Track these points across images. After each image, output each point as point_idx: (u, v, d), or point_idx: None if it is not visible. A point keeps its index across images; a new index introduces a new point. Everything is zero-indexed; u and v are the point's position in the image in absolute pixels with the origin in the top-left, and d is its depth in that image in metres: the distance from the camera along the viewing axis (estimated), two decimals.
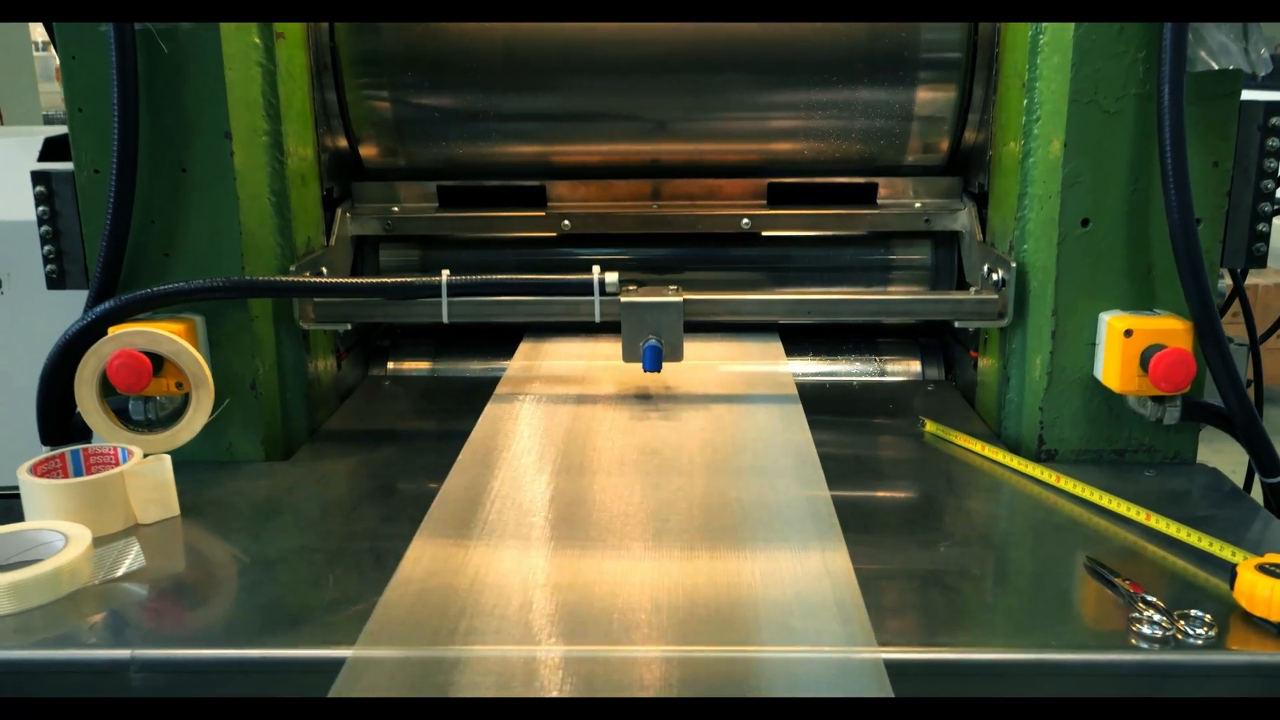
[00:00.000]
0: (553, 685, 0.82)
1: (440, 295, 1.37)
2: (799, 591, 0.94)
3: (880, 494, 1.27)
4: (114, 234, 1.24)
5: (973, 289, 1.45)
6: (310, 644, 0.91)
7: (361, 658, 0.86)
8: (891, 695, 0.80)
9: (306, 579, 1.03)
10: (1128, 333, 1.23)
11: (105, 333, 1.24)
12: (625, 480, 1.17)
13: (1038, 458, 1.32)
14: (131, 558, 1.06)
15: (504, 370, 1.54)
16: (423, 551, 1.02)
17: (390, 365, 1.74)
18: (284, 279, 1.34)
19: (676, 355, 1.40)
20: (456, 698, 0.80)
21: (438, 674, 0.84)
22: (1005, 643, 0.92)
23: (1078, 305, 1.29)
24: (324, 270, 1.49)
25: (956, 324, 1.43)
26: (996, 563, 1.08)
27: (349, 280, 1.40)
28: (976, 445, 1.35)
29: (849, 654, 0.86)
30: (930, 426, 1.43)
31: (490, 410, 1.39)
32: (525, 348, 1.65)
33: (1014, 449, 1.35)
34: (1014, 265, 1.35)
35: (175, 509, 1.18)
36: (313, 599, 0.99)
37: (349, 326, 1.45)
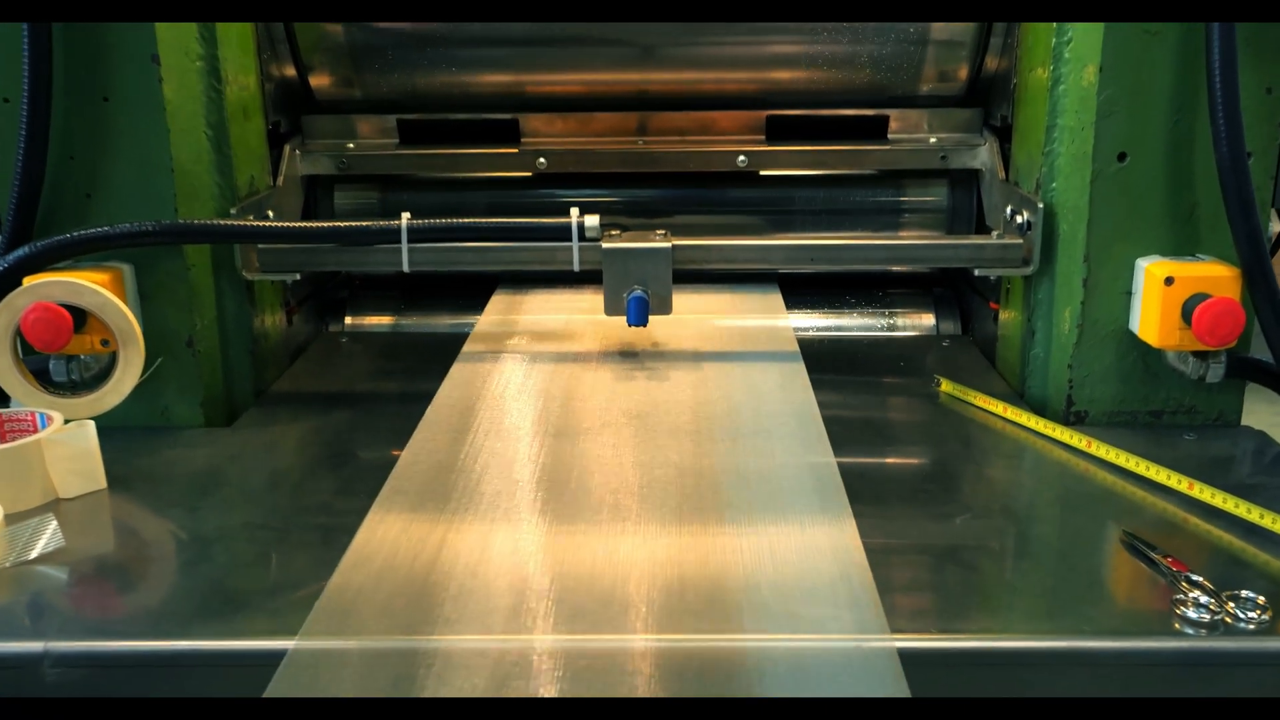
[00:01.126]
0: (524, 684, 0.79)
1: (400, 241, 1.34)
2: (802, 571, 0.91)
3: (891, 461, 1.25)
4: (27, 171, 1.20)
5: (994, 233, 1.42)
6: (252, 634, 0.88)
7: (304, 650, 0.82)
8: (906, 691, 0.77)
9: (248, 560, 1.00)
10: (1168, 280, 1.20)
11: (20, 284, 1.21)
12: (607, 447, 1.15)
13: (1066, 420, 1.31)
14: (48, 536, 1.03)
15: (474, 326, 1.52)
16: (378, 527, 0.99)
17: (348, 320, 1.73)
18: (223, 222, 1.30)
19: (665, 308, 1.37)
20: (413, 698, 0.77)
21: (394, 667, 0.81)
22: (1031, 628, 0.89)
23: (1112, 250, 1.26)
24: (270, 214, 1.45)
25: (976, 272, 1.40)
26: (1020, 538, 1.06)
27: (297, 224, 1.37)
28: (997, 406, 1.33)
29: (859, 642, 0.83)
30: (946, 386, 1.41)
31: (457, 370, 1.36)
32: (497, 301, 1.64)
33: (1039, 410, 1.33)
34: (1041, 206, 1.32)
35: (101, 481, 1.15)
36: (255, 583, 0.96)
37: (298, 276, 1.41)
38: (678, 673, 0.79)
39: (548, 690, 0.76)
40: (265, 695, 0.77)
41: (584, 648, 0.81)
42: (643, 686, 0.77)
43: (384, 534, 0.98)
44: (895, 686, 0.77)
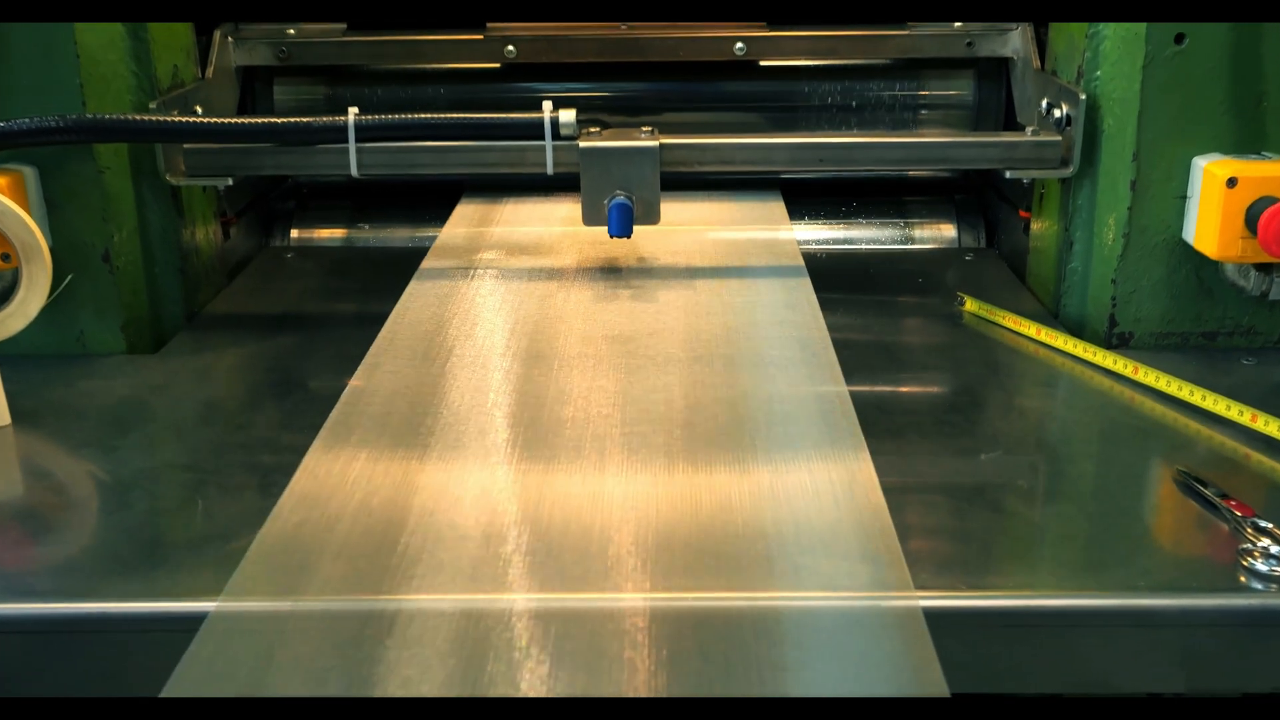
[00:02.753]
0: (504, 648, 0.74)
1: (347, 140, 1.29)
2: (810, 518, 0.87)
3: (909, 390, 1.23)
4: None
5: (1028, 129, 1.38)
6: (174, 594, 0.85)
7: (227, 613, 0.78)
8: (934, 660, 0.71)
9: (172, 507, 0.97)
10: (1230, 182, 1.16)
11: None
12: (586, 377, 1.11)
13: (1108, 342, 1.28)
14: None
15: (435, 239, 1.49)
16: (321, 466, 0.95)
17: (294, 233, 1.70)
18: (141, 118, 1.24)
19: (652, 217, 1.33)
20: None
21: (339, 633, 0.76)
22: (1076, 583, 0.86)
23: (1165, 148, 1.22)
24: (198, 109, 1.39)
25: (1008, 174, 1.35)
26: (1059, 478, 1.03)
27: (226, 121, 1.30)
28: (1029, 327, 1.31)
29: (878, 601, 0.78)
30: (970, 305, 1.39)
31: (416, 288, 1.32)
32: (462, 211, 1.60)
33: (1076, 332, 1.31)
34: (1083, 98, 1.28)
35: (4, 417, 1.12)
36: (179, 533, 0.93)
37: (230, 182, 1.36)
38: (669, 637, 0.75)
39: (535, 656, 0.73)
40: (179, 668, 0.72)
41: (566, 608, 0.78)
42: (631, 654, 0.73)
43: (328, 474, 0.94)
44: (921, 653, 0.73)
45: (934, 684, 0.69)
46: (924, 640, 0.73)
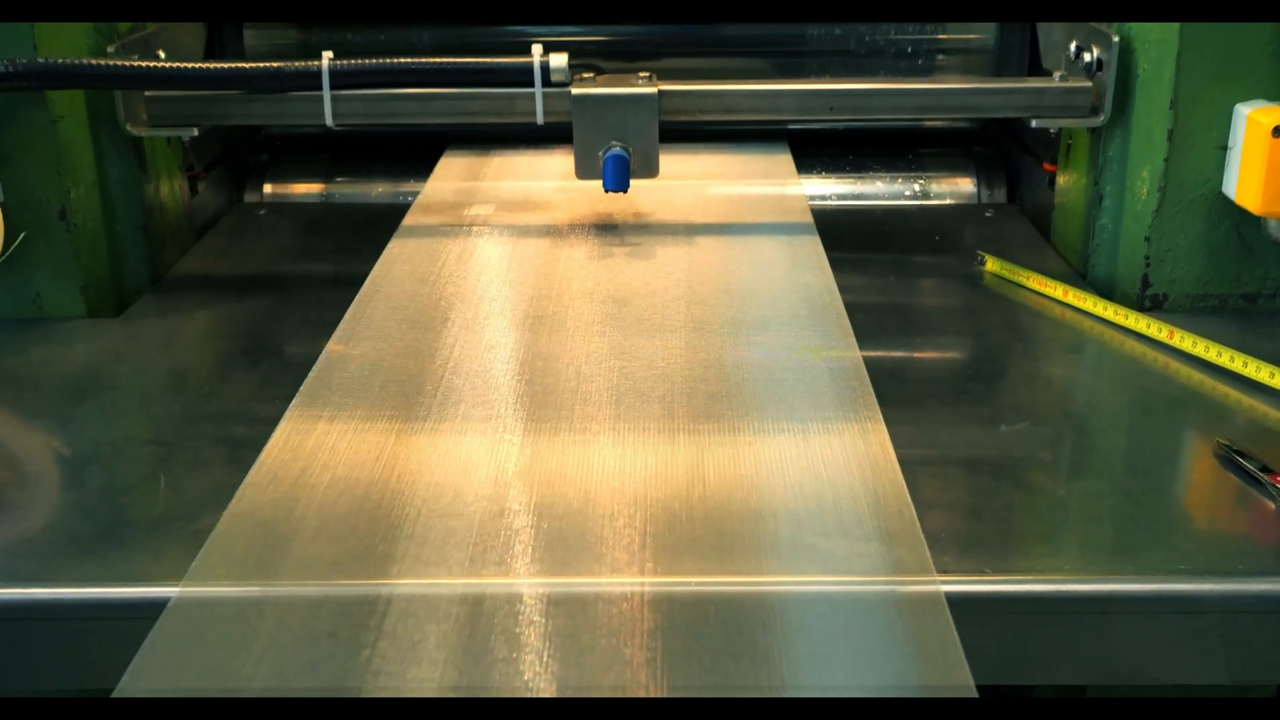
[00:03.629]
0: (479, 641, 0.72)
1: (321, 87, 1.27)
2: (821, 494, 0.85)
3: (926, 356, 1.22)
4: None
5: (1056, 74, 1.34)
6: (131, 579, 0.83)
7: (190, 600, 0.76)
8: (959, 651, 0.69)
9: (132, 483, 0.95)
10: (1277, 130, 1.13)
11: None
12: (578, 341, 1.10)
13: (1140, 305, 1.26)
14: None
15: (417, 195, 1.48)
16: (293, 438, 0.93)
17: (268, 188, 1.68)
18: (98, 62, 1.21)
19: (650, 169, 1.32)
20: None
21: (308, 623, 0.74)
22: (1110, 567, 0.84)
23: (1205, 94, 1.19)
24: (160, 54, 1.36)
25: (1034, 124, 1.33)
26: (1090, 451, 1.01)
27: (191, 66, 1.27)
28: (1054, 289, 1.29)
29: (895, 586, 0.76)
30: (991, 264, 1.38)
31: (396, 247, 1.31)
32: (446, 164, 1.59)
33: (1106, 293, 1.29)
34: (1116, 40, 1.25)
35: None
36: (138, 513, 0.91)
37: (195, 132, 1.33)
38: (667, 627, 0.73)
39: (535, 649, 0.72)
40: (136, 660, 0.70)
41: (564, 594, 0.76)
42: (630, 649, 0.72)
43: (303, 445, 0.92)
44: (944, 642, 0.71)
45: (959, 678, 0.67)
46: (947, 629, 0.71)
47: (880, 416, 0.95)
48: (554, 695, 0.68)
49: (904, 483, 0.85)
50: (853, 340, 1.08)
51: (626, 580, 0.77)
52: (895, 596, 0.76)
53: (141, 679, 0.69)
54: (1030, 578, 0.82)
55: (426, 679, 0.69)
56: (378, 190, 1.66)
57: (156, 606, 0.75)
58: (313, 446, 0.92)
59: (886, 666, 0.69)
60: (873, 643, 0.72)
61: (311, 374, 1.03)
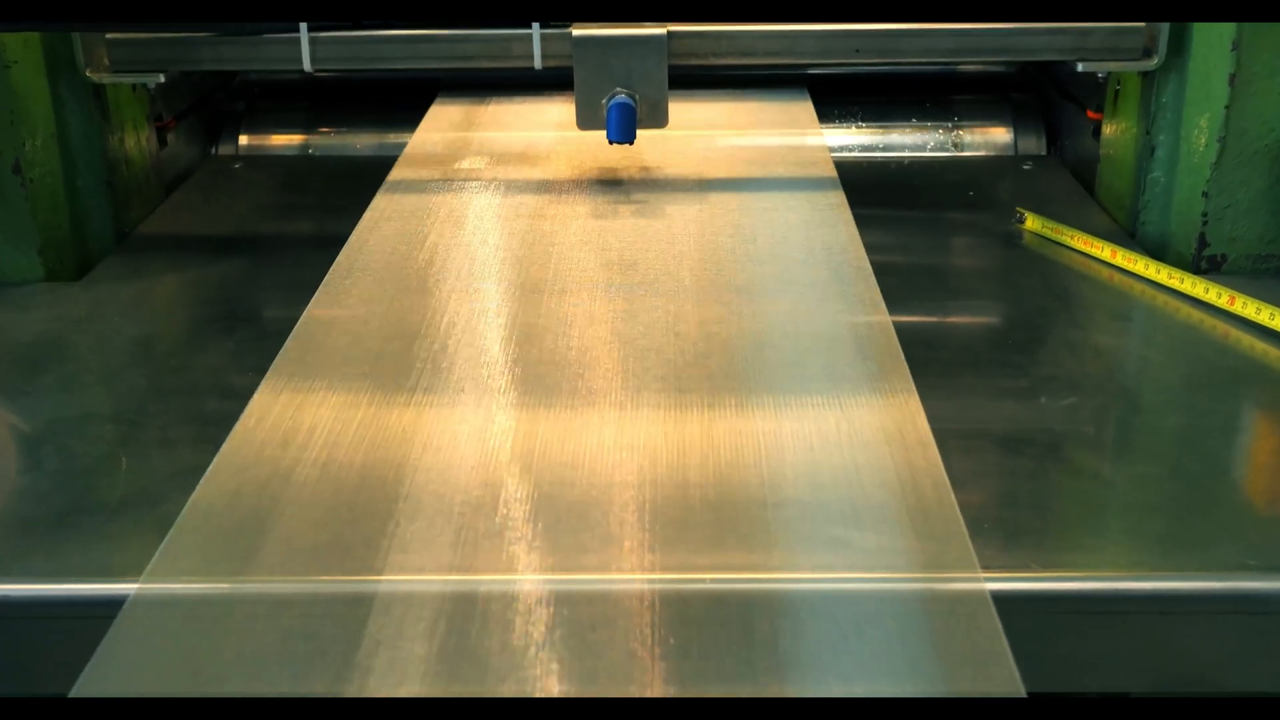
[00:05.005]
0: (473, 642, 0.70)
1: (298, 28, 1.26)
2: (849, 477, 0.83)
3: (962, 322, 1.22)
4: None
5: None
6: (86, 573, 0.81)
7: (150, 597, 0.73)
8: (1008, 658, 0.66)
9: (89, 465, 0.94)
10: None
11: None
12: (582, 306, 1.08)
13: (1196, 267, 1.25)
14: None
15: (405, 147, 1.48)
16: (267, 413, 0.91)
17: (243, 139, 1.69)
18: None
19: (658, 119, 1.31)
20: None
21: (284, 624, 0.72)
22: (1172, 562, 0.81)
23: (1272, 34, 1.17)
24: None
25: (1080, 68, 1.30)
26: (1142, 430, 1.00)
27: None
28: (1101, 249, 1.27)
29: (933, 584, 0.73)
30: (1031, 222, 1.36)
31: (381, 203, 1.30)
32: (437, 113, 1.59)
33: (1158, 254, 1.28)
34: None
35: None
36: (96, 497, 0.90)
37: (162, 78, 1.32)
38: (677, 625, 0.71)
39: (535, 655, 0.69)
40: (92, 662, 0.68)
41: (568, 590, 0.74)
42: (638, 648, 0.70)
43: (279, 421, 0.90)
44: (992, 649, 0.68)
45: (1009, 690, 0.65)
46: (995, 635, 0.68)
47: (914, 390, 0.92)
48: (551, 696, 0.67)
49: (942, 465, 0.83)
50: (881, 305, 1.06)
51: (627, 577, 0.75)
52: (934, 595, 0.73)
53: (94, 689, 0.67)
54: (1080, 574, 0.80)
55: (414, 684, 0.67)
56: (362, 142, 1.67)
57: (113, 605, 0.73)
58: (290, 423, 0.90)
59: (925, 675, 0.67)
60: (910, 648, 0.69)
61: (289, 342, 1.01)
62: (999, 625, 0.69)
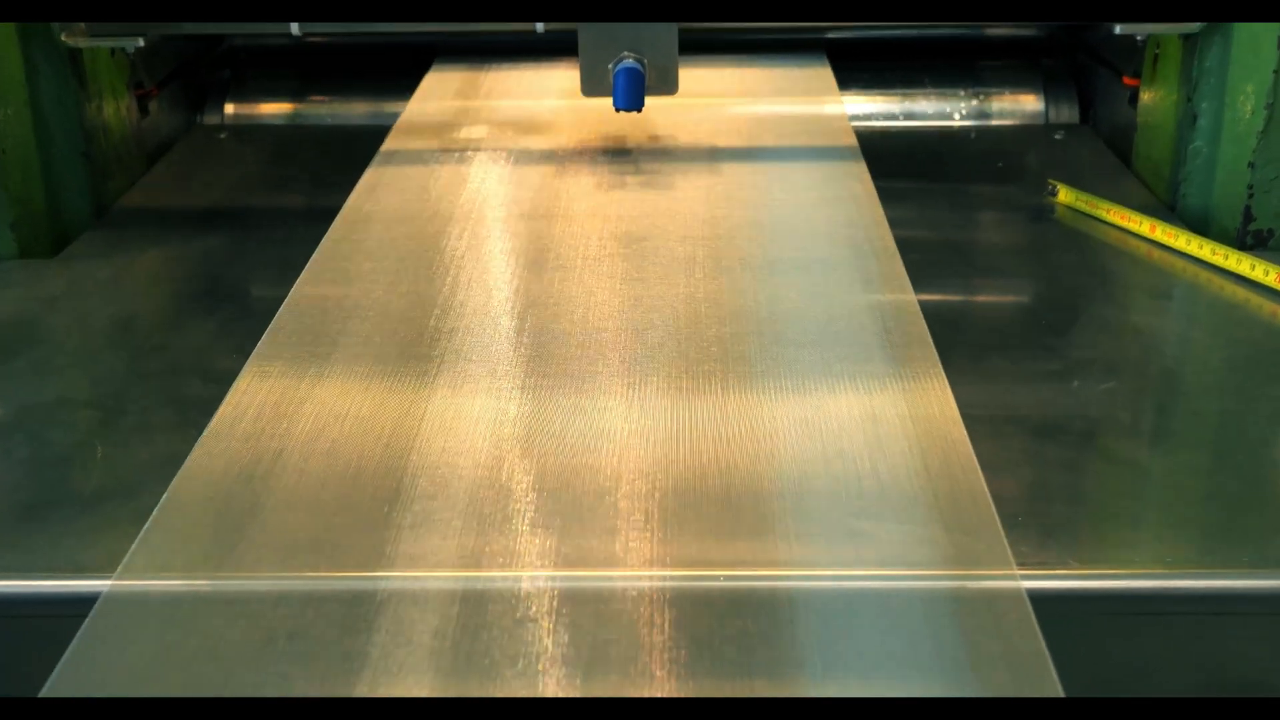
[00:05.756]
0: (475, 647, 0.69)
1: None
2: (873, 465, 0.82)
3: (991, 301, 1.22)
4: None
5: None
6: (58, 570, 0.80)
7: (122, 594, 0.73)
8: (1047, 662, 0.65)
9: (63, 454, 0.93)
10: None
11: None
12: (586, 285, 1.08)
13: (1241, 242, 1.24)
14: None
15: (400, 115, 1.49)
16: (253, 396, 0.91)
17: (229, 108, 1.69)
18: None
19: (668, 85, 1.31)
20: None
21: (269, 625, 0.71)
22: (1221, 559, 0.80)
23: None
24: None
25: (1118, 29, 1.30)
26: (1186, 416, 0.99)
27: None
28: (1139, 223, 1.27)
29: (964, 582, 0.72)
30: (1064, 195, 1.36)
31: (374, 175, 1.31)
32: (433, 80, 1.60)
33: (1199, 229, 1.26)
34: None
35: None
36: (69, 489, 0.89)
37: (141, 42, 1.32)
38: (688, 625, 0.70)
39: (532, 659, 0.69)
40: (63, 663, 0.68)
41: (576, 588, 0.74)
42: (646, 655, 0.68)
43: (265, 405, 0.90)
44: (1030, 651, 0.67)
45: (1046, 685, 0.64)
46: (1033, 637, 0.67)
47: (942, 373, 0.92)
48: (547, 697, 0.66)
49: (973, 453, 0.82)
50: (906, 283, 1.06)
51: (634, 574, 0.74)
52: (962, 594, 0.72)
53: (64, 691, 0.66)
54: (1123, 571, 0.79)
55: (410, 687, 0.66)
56: (356, 110, 1.67)
57: (85, 603, 0.72)
58: (276, 408, 0.89)
59: (958, 680, 0.66)
60: (942, 650, 0.68)
61: (276, 321, 1.01)
62: (1037, 629, 0.68)
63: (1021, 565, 0.74)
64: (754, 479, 0.81)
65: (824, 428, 0.87)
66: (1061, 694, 0.63)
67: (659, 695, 0.66)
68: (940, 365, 0.93)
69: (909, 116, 1.64)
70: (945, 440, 0.84)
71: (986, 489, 0.78)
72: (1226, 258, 1.17)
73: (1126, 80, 1.47)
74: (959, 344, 1.03)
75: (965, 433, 0.84)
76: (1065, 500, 0.86)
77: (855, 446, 0.84)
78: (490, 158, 1.34)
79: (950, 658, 0.67)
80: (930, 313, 1.01)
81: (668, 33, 1.28)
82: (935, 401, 0.89)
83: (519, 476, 0.83)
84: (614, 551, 0.75)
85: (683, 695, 0.66)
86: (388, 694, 0.66)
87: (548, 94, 1.52)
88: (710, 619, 0.70)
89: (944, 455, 0.83)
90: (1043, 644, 0.67)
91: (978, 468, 0.80)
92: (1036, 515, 0.83)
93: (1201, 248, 1.20)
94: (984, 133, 1.62)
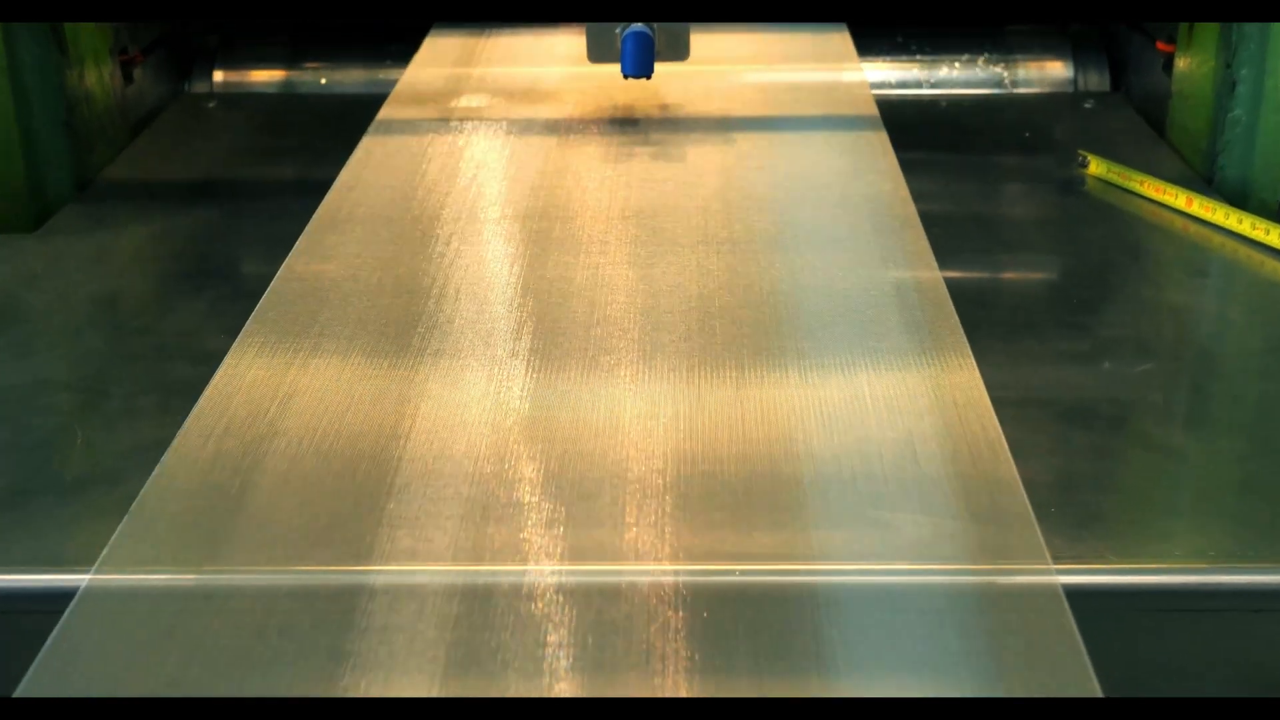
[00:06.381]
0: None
1: None
2: (899, 453, 0.82)
3: (1018, 279, 1.23)
4: None
5: None
6: (34, 562, 0.80)
7: (100, 589, 0.72)
8: (1085, 663, 0.64)
9: (40, 439, 0.93)
10: None
11: None
12: (593, 263, 1.08)
13: None
14: None
15: (397, 83, 1.49)
16: (236, 382, 0.90)
17: (218, 75, 1.70)
18: None
19: (679, 52, 1.32)
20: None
21: (257, 620, 0.70)
22: (1264, 551, 0.79)
23: None
24: None
25: None
26: (1227, 401, 0.99)
27: None
28: (1174, 196, 1.26)
29: (994, 577, 0.71)
30: (1095, 166, 1.36)
31: (370, 146, 1.30)
32: (432, 45, 1.59)
33: (1239, 201, 1.26)
34: None
35: None
36: (48, 476, 0.89)
37: None
38: (699, 620, 0.70)
39: (536, 658, 0.68)
40: (39, 660, 0.67)
41: (584, 584, 0.73)
42: (660, 644, 0.68)
43: (254, 387, 0.90)
44: (1066, 649, 0.66)
45: (1085, 687, 0.63)
46: (1069, 635, 0.66)
47: (970, 354, 0.91)
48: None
49: (1004, 439, 0.81)
50: (931, 259, 1.05)
51: (646, 568, 0.73)
52: (993, 589, 0.71)
53: (39, 691, 0.66)
54: (1165, 566, 0.79)
55: (404, 688, 0.66)
56: (351, 78, 1.68)
57: (63, 598, 0.71)
58: (266, 390, 0.89)
59: (987, 682, 0.65)
60: (971, 649, 0.67)
61: (265, 298, 1.01)
62: (1074, 626, 0.67)
63: (1056, 559, 0.72)
64: (770, 465, 0.81)
65: (845, 412, 0.86)
66: (1096, 685, 0.63)
67: (663, 696, 0.66)
68: (968, 345, 0.92)
69: (932, 84, 1.65)
70: (974, 427, 0.84)
71: (1019, 478, 0.78)
72: (1267, 232, 1.17)
73: (1160, 45, 1.47)
74: (984, 323, 1.03)
75: (995, 417, 0.84)
76: (1098, 489, 0.86)
77: (878, 432, 0.84)
78: (492, 127, 1.34)
79: (976, 657, 0.67)
80: (954, 289, 1.00)
81: None
82: (963, 384, 0.88)
83: (524, 465, 0.83)
84: (623, 545, 0.75)
85: (695, 696, 0.66)
86: (381, 694, 0.66)
87: (552, 60, 1.52)
88: (727, 615, 0.70)
89: (973, 442, 0.82)
90: (1080, 644, 0.66)
91: (1009, 455, 0.80)
92: (1068, 505, 0.83)
93: (1240, 222, 1.20)
94: (1011, 101, 1.62)
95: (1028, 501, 0.76)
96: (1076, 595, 0.70)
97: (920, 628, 0.69)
